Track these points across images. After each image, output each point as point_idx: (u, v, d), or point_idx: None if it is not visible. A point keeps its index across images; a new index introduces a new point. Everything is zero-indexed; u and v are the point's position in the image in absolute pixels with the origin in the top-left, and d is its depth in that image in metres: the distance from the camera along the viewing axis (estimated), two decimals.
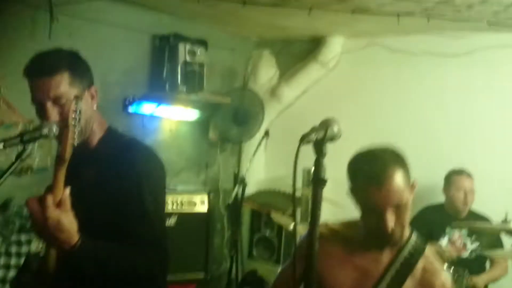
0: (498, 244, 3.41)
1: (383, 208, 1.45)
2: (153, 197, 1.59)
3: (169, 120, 4.03)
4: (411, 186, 1.51)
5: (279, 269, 4.62)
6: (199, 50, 3.77)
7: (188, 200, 3.63)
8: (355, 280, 1.55)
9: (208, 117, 4.34)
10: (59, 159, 1.36)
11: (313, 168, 1.17)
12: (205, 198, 3.74)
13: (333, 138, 1.18)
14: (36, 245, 2.81)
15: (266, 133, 4.15)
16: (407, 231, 1.57)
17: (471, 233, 3.51)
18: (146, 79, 3.79)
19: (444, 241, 3.46)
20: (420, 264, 1.55)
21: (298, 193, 4.44)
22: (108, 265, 1.48)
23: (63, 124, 1.53)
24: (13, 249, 2.71)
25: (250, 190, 4.48)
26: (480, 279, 3.34)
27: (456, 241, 3.42)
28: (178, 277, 3.51)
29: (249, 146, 4.53)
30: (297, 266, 1.74)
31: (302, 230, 3.64)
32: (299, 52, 4.56)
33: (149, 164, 1.63)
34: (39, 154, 2.97)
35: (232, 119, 4.35)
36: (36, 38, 3.01)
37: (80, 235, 1.39)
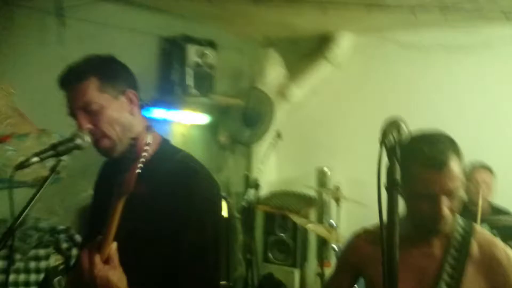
0: None
1: (439, 194, 1.40)
2: (214, 231, 1.46)
3: (180, 124, 3.94)
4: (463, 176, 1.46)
5: (295, 272, 4.58)
6: (209, 51, 3.69)
7: None
8: (413, 282, 1.47)
9: (218, 120, 4.25)
10: (121, 191, 1.24)
11: (386, 171, 1.09)
12: (224, 203, 3.64)
13: (403, 138, 1.10)
14: (55, 259, 2.71)
15: (278, 134, 4.08)
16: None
17: (492, 227, 3.45)
18: (156, 82, 3.70)
19: None
20: (474, 241, 1.50)
21: (312, 193, 4.36)
22: None
23: (98, 132, 1.44)
24: (32, 264, 2.61)
25: (262, 192, 4.41)
26: None
27: None
28: None
29: (260, 148, 4.46)
30: (344, 277, 1.68)
31: (318, 230, 3.60)
32: (307, 51, 4.49)
33: (211, 192, 1.50)
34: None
35: (242, 120, 4.27)
36: (46, 43, 2.92)
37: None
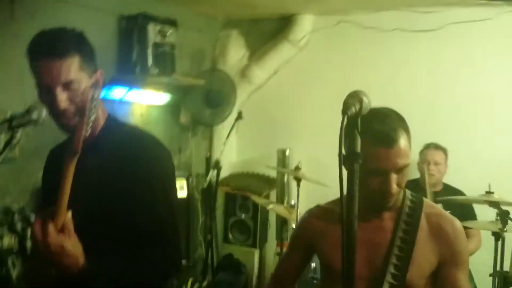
0: (472, 216, 3.49)
1: (389, 170, 1.43)
2: (165, 192, 1.51)
3: (139, 104, 3.87)
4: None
5: (255, 252, 4.61)
6: (170, 31, 3.61)
7: None
8: (364, 255, 1.49)
9: (179, 101, 4.20)
10: (71, 152, 1.26)
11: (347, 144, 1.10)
12: (183, 183, 3.63)
13: (364, 110, 1.12)
14: (9, 239, 2.64)
15: (239, 115, 4.07)
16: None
17: (445, 206, 3.58)
18: (115, 62, 3.60)
19: None
20: (423, 216, 1.54)
21: (273, 174, 4.40)
22: (118, 280, 1.40)
23: (76, 112, 1.41)
24: None
25: (223, 173, 4.40)
26: None
27: None
28: None
29: (221, 129, 4.44)
30: (297, 254, 1.70)
31: (278, 210, 3.64)
32: (269, 32, 4.48)
33: (158, 155, 1.54)
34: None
35: (204, 101, 4.23)
36: None
37: (85, 256, 1.31)
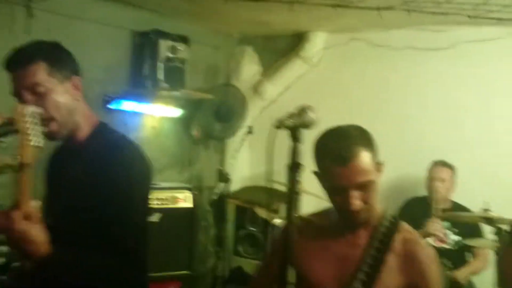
0: (479, 235, 3.44)
1: (347, 187, 1.44)
2: (135, 203, 1.56)
3: (151, 116, 4.00)
4: (378, 166, 1.50)
5: None
6: (181, 46, 3.75)
7: (172, 196, 3.61)
8: (335, 269, 1.53)
9: (191, 114, 4.31)
10: (19, 165, 1.33)
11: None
12: (189, 194, 3.72)
13: (308, 125, 1.17)
14: None
15: (250, 130, 4.15)
16: (378, 211, 1.57)
17: (453, 225, 3.55)
18: (127, 76, 3.76)
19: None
20: (399, 237, 1.54)
21: (283, 188, 4.43)
22: (79, 274, 1.47)
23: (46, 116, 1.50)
24: None
25: (235, 186, 4.48)
26: (462, 273, 3.37)
27: (436, 227, 3.42)
28: (164, 274, 3.49)
29: (233, 143, 4.53)
30: (275, 261, 1.73)
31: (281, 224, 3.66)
32: (282, 48, 4.57)
33: (135, 166, 1.58)
34: None
35: (215, 115, 4.33)
36: (15, 35, 2.97)
37: (50, 245, 1.38)
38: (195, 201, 3.76)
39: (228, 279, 4.28)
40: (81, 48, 3.27)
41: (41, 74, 1.52)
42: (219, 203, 4.15)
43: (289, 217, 1.09)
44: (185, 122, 4.32)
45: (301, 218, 1.71)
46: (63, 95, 1.56)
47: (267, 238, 4.42)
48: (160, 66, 3.64)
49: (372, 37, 4.15)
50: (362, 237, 1.56)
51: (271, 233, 4.44)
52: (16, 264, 1.84)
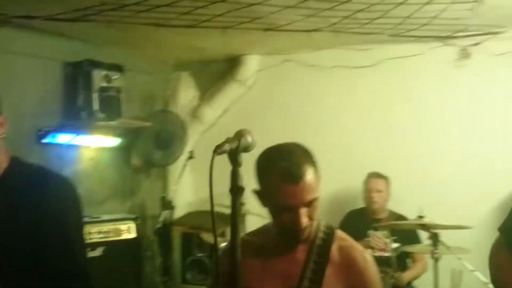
0: (417, 241, 3.61)
1: (298, 206, 1.46)
2: (70, 226, 1.56)
3: (88, 148, 3.91)
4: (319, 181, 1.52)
5: None
6: (115, 75, 3.71)
7: (114, 228, 3.54)
8: (280, 286, 1.54)
9: (130, 143, 4.26)
10: None
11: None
12: (132, 225, 3.66)
13: (247, 148, 1.22)
14: None
15: (191, 155, 4.16)
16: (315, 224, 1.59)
17: (391, 233, 3.70)
18: (61, 108, 3.67)
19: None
20: (334, 246, 1.58)
21: (227, 211, 4.43)
22: None
23: None
24: None
25: (179, 213, 4.44)
26: (404, 277, 3.51)
27: (378, 241, 3.55)
28: None
29: (175, 169, 4.50)
30: (221, 285, 1.73)
31: None
32: (218, 72, 4.63)
33: (62, 191, 1.58)
34: None
35: (155, 143, 4.30)
36: None
37: None
38: (138, 230, 3.69)
39: None
40: (11, 82, 3.23)
41: None
42: (164, 231, 4.10)
43: (233, 239, 1.12)
44: (124, 151, 4.25)
45: (241, 239, 1.72)
46: None
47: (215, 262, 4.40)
48: (95, 96, 3.59)
49: (304, 58, 4.31)
50: (301, 252, 1.57)
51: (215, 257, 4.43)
52: None
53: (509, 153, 3.74)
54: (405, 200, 3.82)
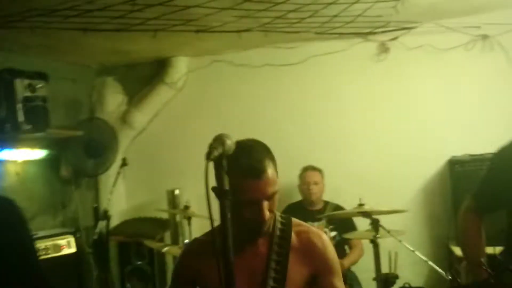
0: (353, 228, 3.80)
1: (260, 199, 1.49)
2: (26, 242, 1.59)
3: (14, 162, 3.67)
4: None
5: None
6: (40, 84, 3.52)
7: (53, 244, 3.35)
8: (245, 283, 1.54)
9: (58, 154, 4.05)
10: None
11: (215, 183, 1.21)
12: (71, 239, 3.49)
13: (228, 152, 1.24)
14: None
15: (124, 162, 4.04)
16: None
17: (328, 222, 3.86)
18: None
19: None
20: (293, 235, 1.63)
21: (165, 216, 4.38)
22: None
23: None
24: None
25: (114, 222, 4.30)
26: (343, 263, 3.69)
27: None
28: None
29: (106, 178, 4.35)
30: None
31: (175, 251, 3.63)
32: (145, 75, 4.55)
33: (9, 211, 1.59)
34: None
35: (85, 152, 4.13)
36: None
37: None
38: (78, 244, 3.54)
39: None
40: None
41: None
42: (100, 243, 3.96)
43: (225, 242, 1.14)
44: (52, 163, 4.05)
45: (198, 240, 1.71)
46: None
47: (155, 269, 4.32)
48: (19, 107, 3.38)
49: (233, 58, 4.36)
50: (262, 245, 1.61)
51: (160, 264, 4.36)
52: None
53: (425, 139, 4.03)
54: (339, 190, 4.00)
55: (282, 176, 4.29)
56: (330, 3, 2.91)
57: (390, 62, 4.12)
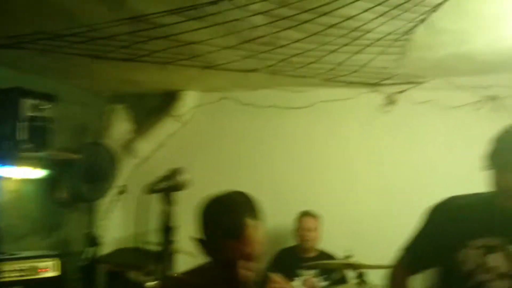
0: (343, 280, 3.69)
1: (237, 259, 1.44)
2: None
3: (11, 179, 3.70)
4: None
5: None
6: (46, 105, 3.58)
7: (35, 266, 3.31)
8: None
9: (56, 175, 4.08)
10: None
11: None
12: (55, 262, 3.45)
13: (181, 186, 1.22)
14: None
15: (123, 189, 4.04)
16: None
17: (321, 271, 3.76)
18: None
19: (297, 282, 3.65)
20: None
21: (155, 248, 4.32)
22: None
23: None
24: None
25: (107, 249, 4.27)
26: None
27: (308, 280, 3.60)
28: None
29: (103, 204, 4.35)
30: None
31: (154, 286, 3.55)
32: (154, 106, 4.61)
33: None
34: None
35: (84, 176, 4.14)
36: None
37: None
38: (62, 268, 3.50)
39: None
40: None
41: None
42: (89, 269, 3.91)
43: (164, 278, 1.11)
44: (50, 184, 4.06)
45: (175, 278, 1.69)
46: None
47: None
48: (22, 125, 3.43)
49: (240, 96, 4.40)
50: None
51: None
52: None
53: (427, 196, 3.93)
54: (334, 239, 3.91)
55: (278, 218, 4.26)
56: (332, 51, 2.93)
57: (396, 114, 4.10)
